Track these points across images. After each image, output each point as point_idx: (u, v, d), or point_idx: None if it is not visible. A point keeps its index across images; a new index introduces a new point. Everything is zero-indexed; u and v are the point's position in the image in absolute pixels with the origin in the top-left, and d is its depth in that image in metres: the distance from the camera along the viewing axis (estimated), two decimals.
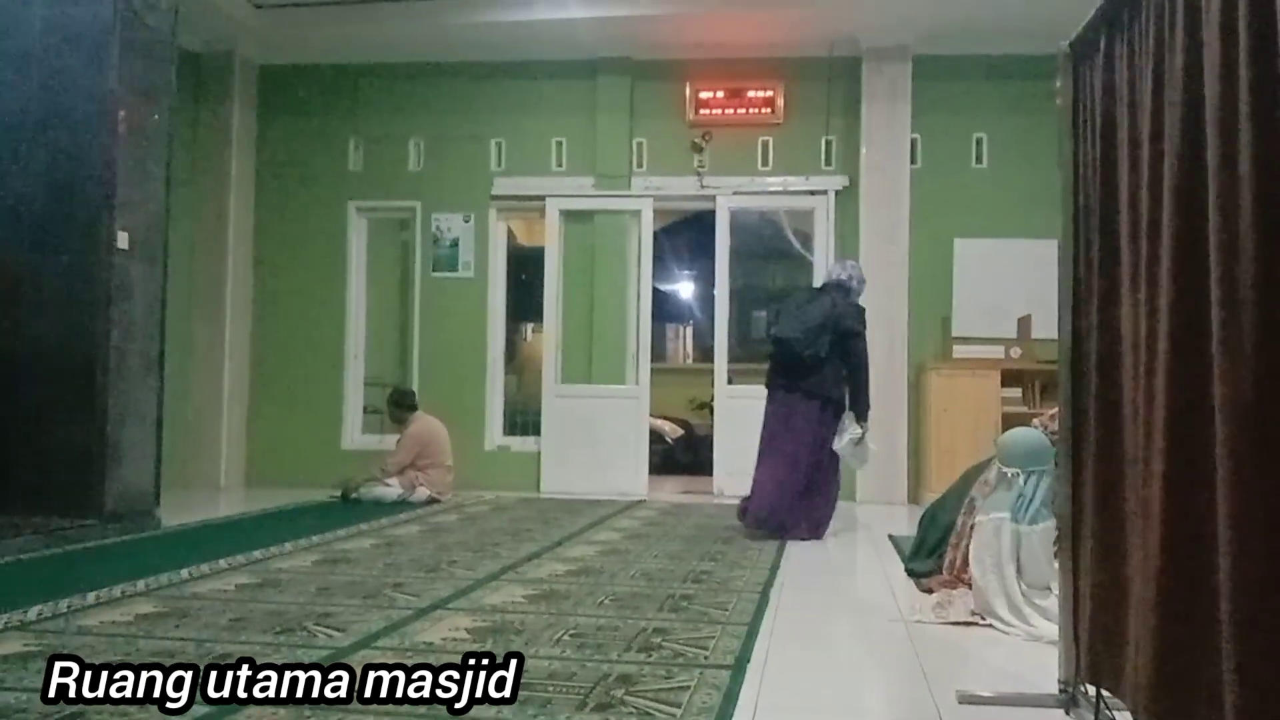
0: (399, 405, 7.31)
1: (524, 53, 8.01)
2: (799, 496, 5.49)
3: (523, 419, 8.64)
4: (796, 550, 5.08)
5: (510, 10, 7.47)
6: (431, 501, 6.89)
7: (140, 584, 3.75)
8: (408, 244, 8.60)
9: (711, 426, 9.07)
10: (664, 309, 11.56)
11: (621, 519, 6.13)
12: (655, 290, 8.34)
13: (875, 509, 7.18)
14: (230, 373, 8.05)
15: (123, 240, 5.29)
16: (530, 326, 10.43)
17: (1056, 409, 3.81)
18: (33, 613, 3.24)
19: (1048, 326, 6.53)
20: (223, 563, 4.25)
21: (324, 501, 6.91)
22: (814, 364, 5.43)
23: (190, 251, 7.79)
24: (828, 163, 7.87)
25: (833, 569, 4.84)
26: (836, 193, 7.79)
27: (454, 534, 5.40)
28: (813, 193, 7.87)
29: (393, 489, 6.87)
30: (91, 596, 3.51)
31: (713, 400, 8.91)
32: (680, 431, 9.80)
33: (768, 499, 5.47)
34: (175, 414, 6.71)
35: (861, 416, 5.51)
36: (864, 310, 5.70)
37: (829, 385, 5.48)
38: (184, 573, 4.00)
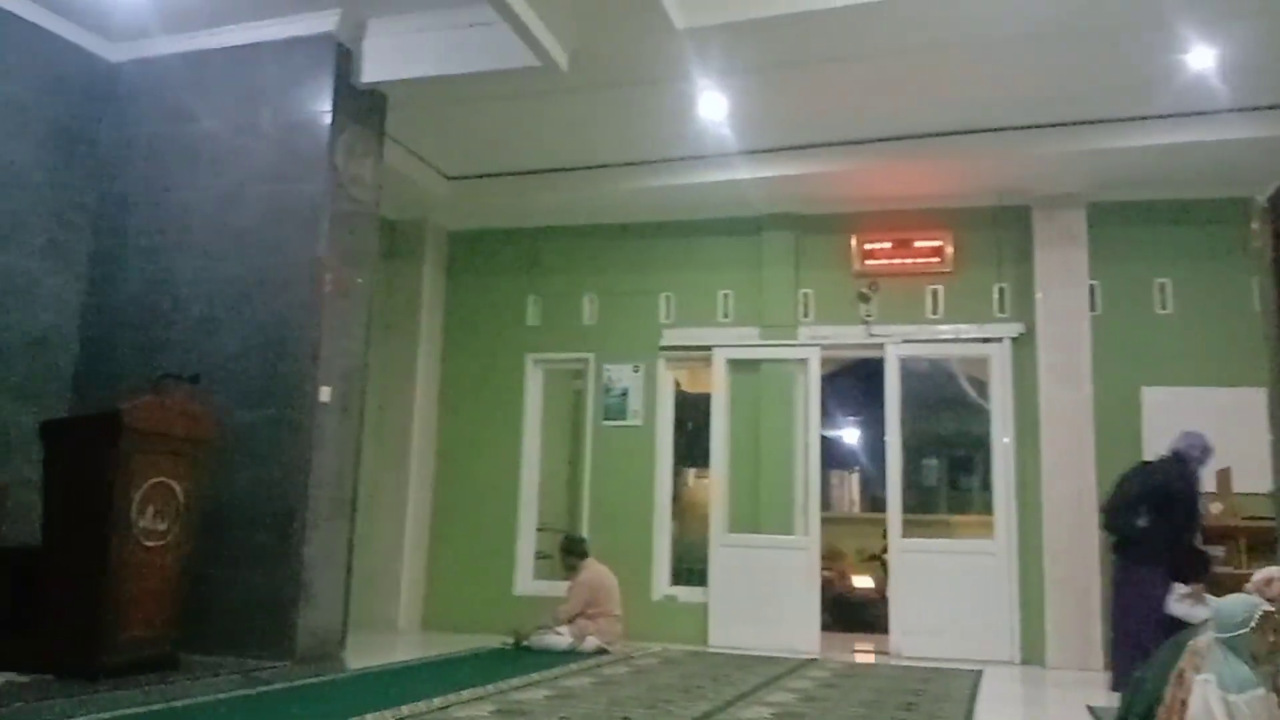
0: (570, 552, 7.42)
1: (692, 212, 8.35)
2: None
3: (686, 567, 8.60)
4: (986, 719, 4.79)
5: (680, 175, 7.83)
6: (600, 652, 6.87)
7: None
8: (580, 393, 8.91)
9: (883, 580, 8.79)
10: (828, 455, 11.40)
11: (795, 679, 5.94)
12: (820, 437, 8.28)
13: (1068, 675, 6.71)
14: (412, 518, 8.40)
15: (325, 394, 5.70)
16: (693, 472, 10.47)
17: (1273, 572, 3.55)
18: None
19: (1252, 479, 6.19)
20: (405, 709, 4.35)
21: (497, 648, 7.00)
22: (1136, 534, 5.80)
23: (380, 402, 8.28)
24: (1001, 310, 7.75)
25: None
26: (1013, 340, 7.63)
27: (625, 688, 5.35)
28: (986, 340, 7.74)
29: (563, 638, 6.90)
30: None
31: (883, 553, 8.65)
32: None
33: (1122, 666, 5.69)
34: (359, 557, 7.02)
35: (1185, 578, 5.65)
36: (1194, 478, 5.82)
37: (1156, 551, 5.72)
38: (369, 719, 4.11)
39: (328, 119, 5.86)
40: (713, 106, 6.78)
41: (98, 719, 3.97)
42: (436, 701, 4.60)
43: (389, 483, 8.36)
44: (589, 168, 8.00)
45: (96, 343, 6.15)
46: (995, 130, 7.05)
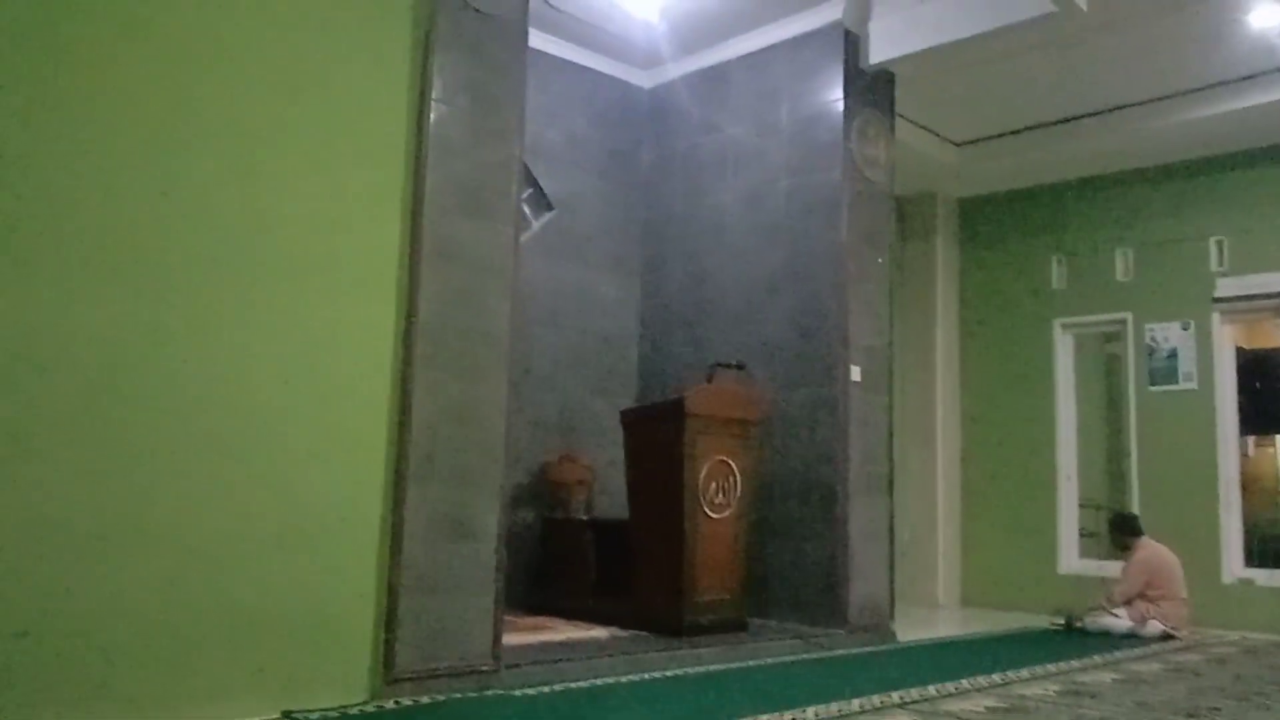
0: (1121, 530, 6.89)
1: (1244, 141, 7.29)
2: None
3: (1260, 548, 7.55)
4: None
5: (1226, 101, 6.88)
6: (1166, 637, 6.29)
7: (895, 695, 4.00)
8: (1115, 357, 8.23)
9: None
10: None
11: None
12: None
13: None
14: (943, 493, 8.35)
15: (855, 374, 5.88)
16: (1252, 440, 9.15)
17: None
18: (810, 712, 3.64)
19: None
20: (965, 683, 4.36)
21: (1045, 628, 6.72)
22: None
23: (902, 378, 8.33)
24: None
25: None
26: None
27: (1205, 677, 4.85)
28: None
29: (1121, 620, 6.43)
30: (855, 703, 3.84)
31: None
32: None
33: None
34: (895, 533, 7.15)
35: None
36: None
37: None
38: (931, 689, 4.18)
39: (840, 106, 6.02)
40: (1267, 16, 5.87)
41: (687, 672, 4.51)
42: (996, 677, 4.55)
43: (917, 458, 8.39)
44: (1112, 110, 7.33)
45: (653, 338, 6.94)
46: None
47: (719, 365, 5.73)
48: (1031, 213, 8.44)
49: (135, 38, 3.21)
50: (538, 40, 4.93)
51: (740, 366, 5.79)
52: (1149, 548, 6.67)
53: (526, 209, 6.27)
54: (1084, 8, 5.38)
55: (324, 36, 3.69)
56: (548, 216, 6.34)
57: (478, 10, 4.07)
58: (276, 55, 3.56)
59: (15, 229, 2.92)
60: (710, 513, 5.30)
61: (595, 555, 5.92)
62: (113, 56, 3.16)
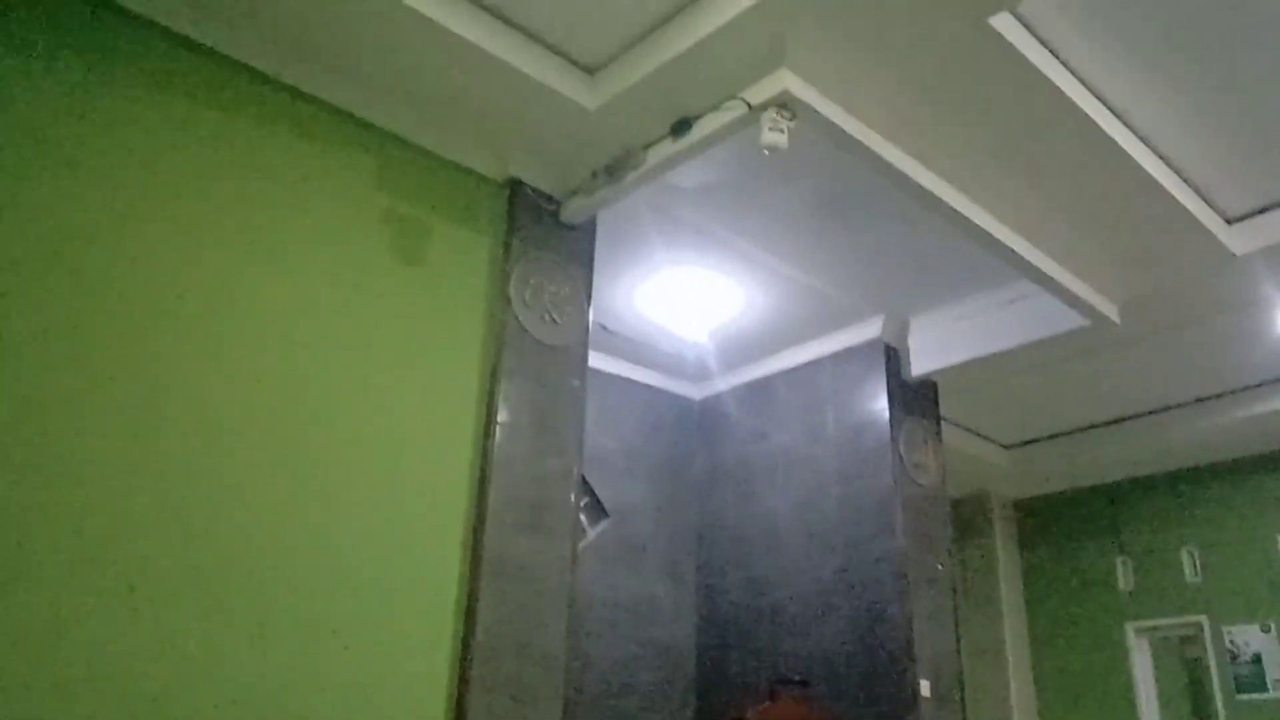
0: None
1: None
2: None
3: None
4: None
5: (1265, 401, 6.96)
6: None
7: None
8: (1197, 661, 7.81)
9: None
10: None
11: None
12: None
13: None
14: None
15: (925, 688, 5.64)
16: None
17: None
18: None
19: None
20: None
21: None
22: None
23: (973, 688, 7.95)
24: None
25: None
26: None
27: None
28: None
29: None
30: None
31: None
32: None
33: None
34: None
35: None
36: None
37: None
38: None
39: (886, 415, 6.19)
40: None
41: None
42: None
43: None
44: (1155, 412, 7.44)
45: (709, 648, 6.76)
46: None
47: (781, 682, 5.55)
48: (1090, 512, 8.37)
49: (209, 354, 3.49)
50: (594, 360, 5.25)
51: (805, 684, 5.59)
52: None
53: (583, 517, 6.37)
54: (1116, 321, 5.62)
55: (397, 369, 3.98)
56: (603, 524, 6.42)
57: (542, 343, 4.39)
58: (352, 384, 3.82)
59: (67, 545, 3.05)
60: None
61: None
62: (177, 367, 3.42)
